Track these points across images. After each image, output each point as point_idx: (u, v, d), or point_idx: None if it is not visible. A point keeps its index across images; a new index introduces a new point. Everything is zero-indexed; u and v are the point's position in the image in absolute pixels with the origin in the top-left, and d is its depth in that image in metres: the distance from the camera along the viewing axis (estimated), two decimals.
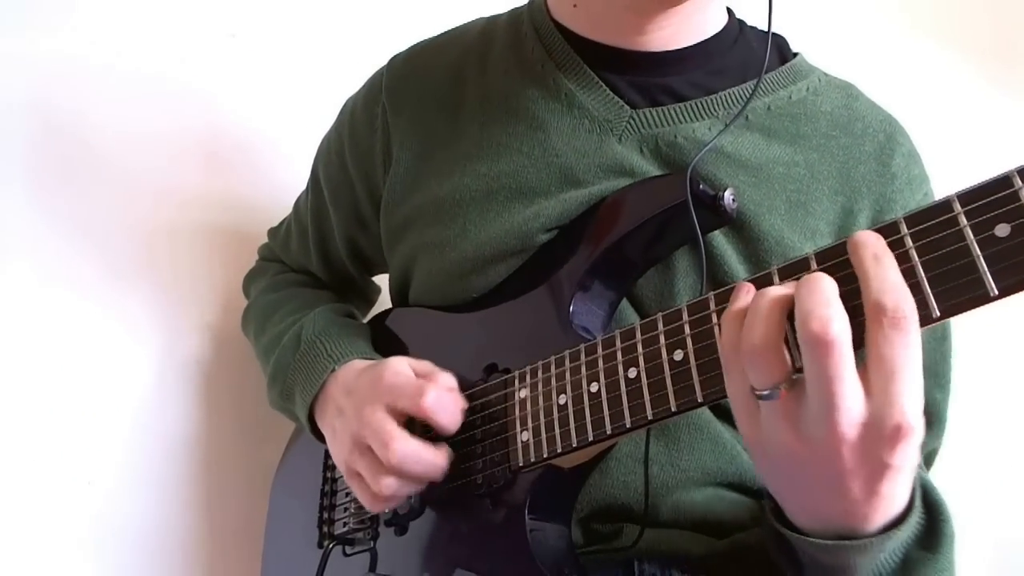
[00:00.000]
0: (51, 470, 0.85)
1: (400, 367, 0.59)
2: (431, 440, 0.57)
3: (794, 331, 0.40)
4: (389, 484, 0.56)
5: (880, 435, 0.38)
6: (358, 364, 0.65)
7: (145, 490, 0.89)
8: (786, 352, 0.40)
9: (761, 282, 0.45)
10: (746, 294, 0.44)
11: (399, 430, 0.56)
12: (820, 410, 0.39)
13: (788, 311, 0.41)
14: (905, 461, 0.40)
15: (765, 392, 0.41)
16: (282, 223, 0.91)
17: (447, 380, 0.58)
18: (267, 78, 1.05)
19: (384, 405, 0.57)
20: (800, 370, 0.40)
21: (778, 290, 0.42)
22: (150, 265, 0.95)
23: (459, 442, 0.59)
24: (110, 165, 0.95)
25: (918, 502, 0.45)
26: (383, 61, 0.77)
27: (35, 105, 0.92)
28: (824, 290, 0.39)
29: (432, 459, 0.56)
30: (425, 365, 0.60)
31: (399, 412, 0.57)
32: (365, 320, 0.80)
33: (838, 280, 0.41)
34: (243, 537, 0.92)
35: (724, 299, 0.46)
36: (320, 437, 0.68)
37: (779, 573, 0.56)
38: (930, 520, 0.48)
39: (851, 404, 0.38)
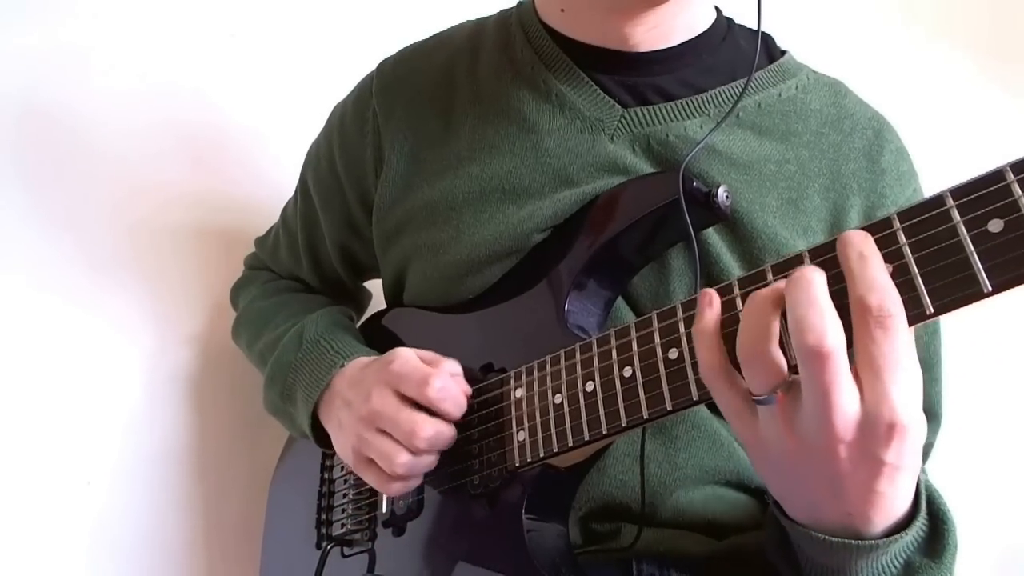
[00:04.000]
0: (50, 470, 0.84)
1: (406, 354, 0.60)
2: None
3: (787, 326, 0.40)
4: (404, 462, 0.57)
5: (875, 434, 0.38)
6: (363, 360, 0.65)
7: (144, 491, 0.89)
8: (781, 355, 0.40)
9: (754, 279, 0.45)
10: (709, 306, 0.44)
11: (419, 414, 0.57)
12: (816, 412, 0.39)
13: (781, 309, 0.41)
14: (903, 459, 0.39)
15: (762, 397, 0.41)
16: (269, 231, 0.90)
17: (451, 366, 0.59)
18: (266, 78, 1.05)
19: (392, 390, 0.58)
20: (794, 368, 0.40)
21: (768, 292, 0.41)
22: (145, 263, 0.95)
23: (456, 442, 0.59)
24: (106, 164, 0.94)
25: (923, 507, 0.45)
26: (381, 60, 0.77)
27: (29, 102, 0.92)
28: (816, 294, 0.39)
29: (450, 432, 0.57)
30: (429, 353, 0.61)
31: (405, 399, 0.58)
32: (361, 321, 0.81)
33: (830, 278, 0.41)
34: (241, 538, 0.92)
35: (719, 297, 0.46)
36: (317, 439, 0.68)
37: (777, 573, 0.56)
38: (934, 527, 0.47)
39: (847, 406, 0.38)
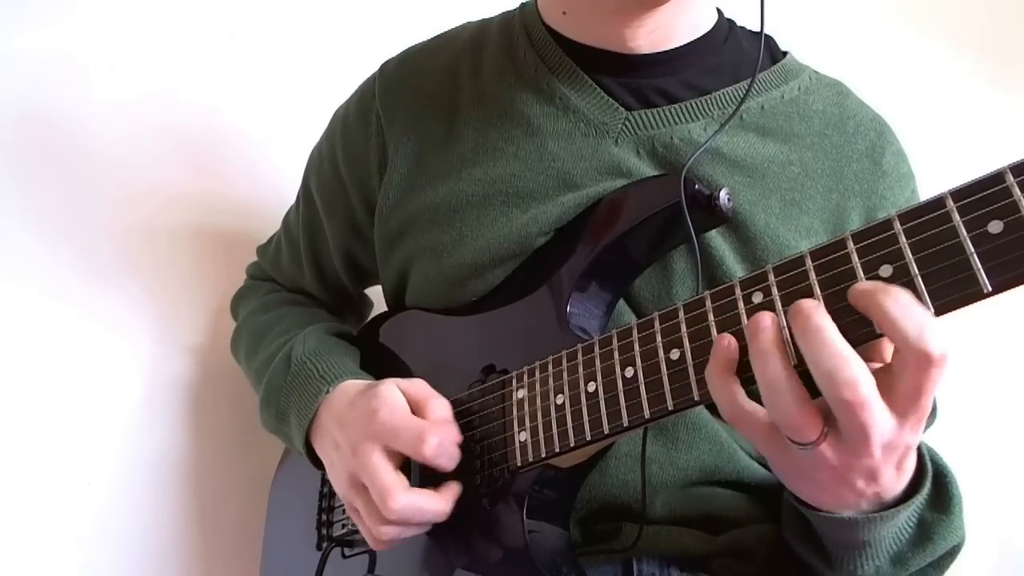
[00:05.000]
0: (50, 470, 0.84)
1: (393, 398, 0.58)
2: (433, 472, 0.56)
3: (800, 357, 0.41)
4: (388, 532, 0.56)
5: (905, 428, 0.41)
6: (350, 388, 0.64)
7: (144, 491, 0.89)
8: (812, 409, 0.41)
9: (756, 281, 0.45)
10: (725, 351, 0.44)
11: (396, 480, 0.55)
12: (858, 441, 0.41)
13: (788, 352, 0.41)
14: (919, 436, 0.42)
15: (805, 444, 0.41)
16: (271, 239, 0.90)
17: (441, 410, 0.58)
18: (266, 79, 1.05)
19: (380, 446, 0.56)
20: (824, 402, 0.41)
21: (772, 349, 0.41)
22: (145, 264, 0.95)
23: (457, 444, 0.59)
24: (105, 166, 0.94)
25: (929, 467, 0.48)
26: (383, 61, 0.77)
27: (28, 103, 0.92)
28: (832, 340, 0.39)
29: (433, 507, 0.55)
30: (417, 390, 0.59)
31: (396, 453, 0.57)
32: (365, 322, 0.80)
33: (830, 279, 0.42)
34: (242, 539, 0.92)
35: (720, 298, 0.47)
36: (315, 460, 0.67)
37: (776, 570, 0.57)
38: (938, 483, 0.50)
39: (884, 428, 0.40)
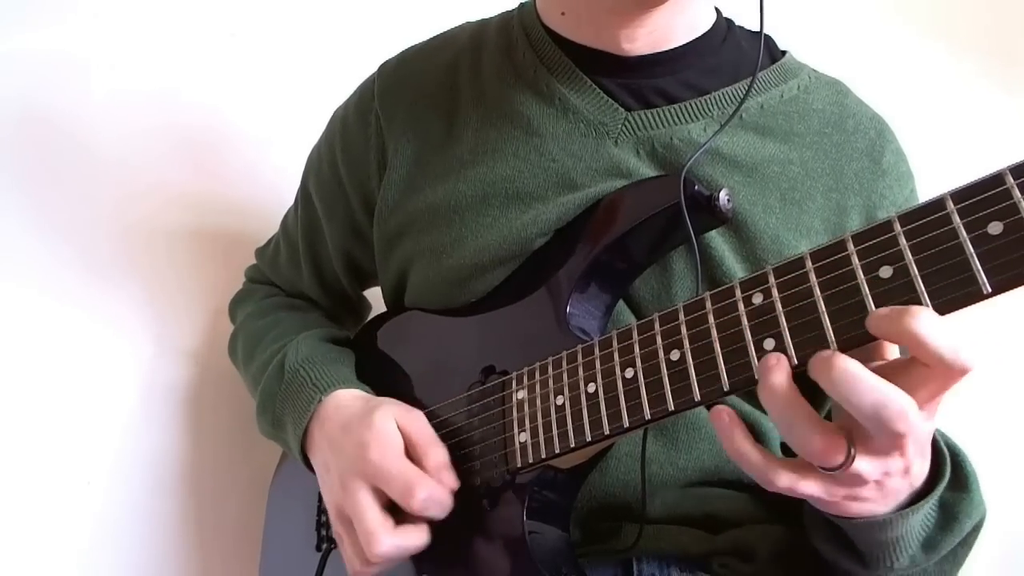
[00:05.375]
0: (50, 470, 0.84)
1: (387, 436, 0.57)
2: None
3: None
4: (371, 572, 0.57)
5: (931, 421, 0.42)
6: (343, 402, 0.63)
7: (144, 491, 0.89)
8: (835, 435, 0.41)
9: (757, 282, 0.45)
10: (732, 426, 0.44)
11: (382, 523, 0.55)
12: (893, 448, 0.41)
13: (797, 392, 0.41)
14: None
15: (835, 468, 0.41)
16: (269, 242, 0.89)
17: (437, 457, 0.57)
18: (266, 78, 1.05)
19: (368, 486, 0.57)
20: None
21: (784, 392, 0.41)
22: (145, 264, 0.95)
23: (457, 444, 0.59)
24: (105, 165, 0.95)
25: (944, 449, 0.49)
26: (382, 62, 0.77)
27: (29, 103, 0.92)
28: (868, 382, 0.38)
29: (415, 543, 0.56)
30: (416, 432, 0.58)
31: (384, 495, 0.57)
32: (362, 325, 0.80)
33: (830, 280, 0.42)
34: (241, 539, 0.92)
35: (720, 299, 0.47)
36: (311, 466, 0.67)
37: (780, 571, 0.57)
38: (952, 462, 0.50)
39: (918, 431, 0.40)
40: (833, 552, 0.54)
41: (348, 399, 0.63)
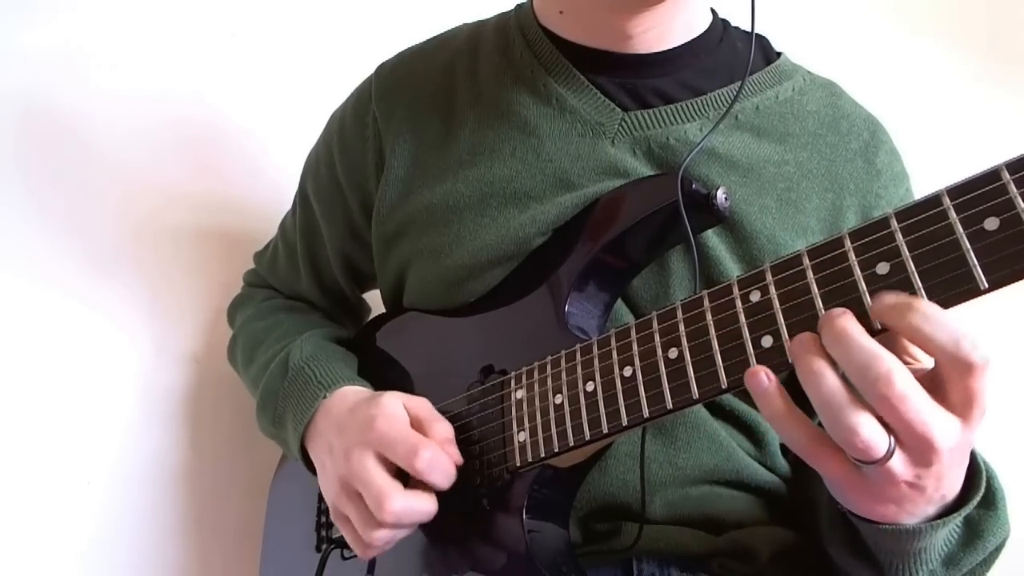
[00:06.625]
0: (50, 470, 0.84)
1: (394, 409, 0.57)
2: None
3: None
4: (381, 536, 0.56)
5: (970, 429, 0.40)
6: (349, 395, 0.63)
7: (144, 491, 0.89)
8: (875, 423, 0.39)
9: (754, 280, 0.45)
10: (768, 382, 0.42)
11: (391, 484, 0.55)
12: (920, 443, 0.39)
13: (831, 362, 0.40)
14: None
15: (872, 462, 0.40)
16: (267, 245, 0.89)
17: (442, 431, 0.57)
18: (266, 78, 1.05)
19: (374, 453, 0.56)
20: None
21: (829, 370, 0.40)
22: (145, 263, 0.95)
23: (457, 443, 0.59)
24: (106, 164, 0.95)
25: (981, 464, 0.46)
26: (379, 63, 0.77)
27: (30, 101, 0.92)
28: (859, 341, 0.38)
29: (427, 507, 0.55)
30: (421, 408, 0.58)
31: (390, 462, 0.56)
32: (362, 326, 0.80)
33: (827, 277, 0.42)
34: (241, 540, 0.92)
35: (718, 297, 0.47)
36: (310, 466, 0.67)
37: (776, 571, 0.57)
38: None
39: (946, 430, 0.39)
40: (848, 557, 0.52)
41: (353, 394, 0.64)
